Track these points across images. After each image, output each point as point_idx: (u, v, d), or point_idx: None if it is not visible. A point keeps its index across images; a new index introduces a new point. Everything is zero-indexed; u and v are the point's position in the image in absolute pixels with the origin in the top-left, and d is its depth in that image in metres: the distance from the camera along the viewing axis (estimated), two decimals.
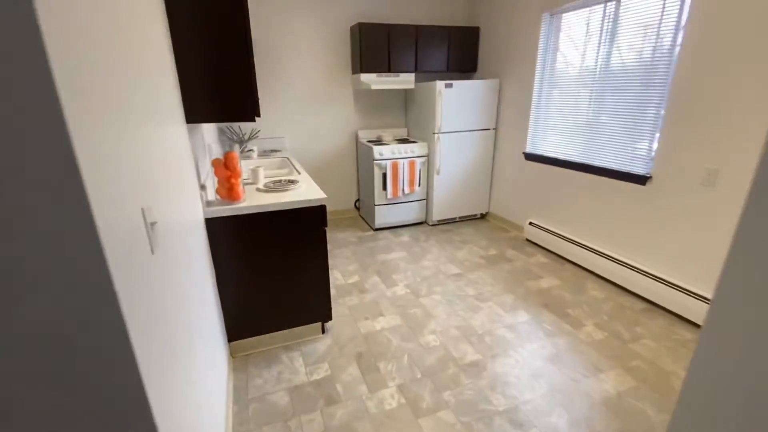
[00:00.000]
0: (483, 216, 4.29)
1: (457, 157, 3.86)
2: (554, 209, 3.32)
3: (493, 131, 3.94)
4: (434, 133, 3.72)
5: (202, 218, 1.78)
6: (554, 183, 3.28)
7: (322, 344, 2.19)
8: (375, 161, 3.67)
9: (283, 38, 3.62)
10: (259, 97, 3.70)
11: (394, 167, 3.70)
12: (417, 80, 4.19)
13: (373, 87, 3.73)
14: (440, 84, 3.57)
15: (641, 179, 2.54)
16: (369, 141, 4.01)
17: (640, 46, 2.48)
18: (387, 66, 3.72)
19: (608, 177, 2.78)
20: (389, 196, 3.77)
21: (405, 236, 3.79)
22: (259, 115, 1.75)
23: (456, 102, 3.67)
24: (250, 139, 3.52)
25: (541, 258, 3.25)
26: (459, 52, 3.93)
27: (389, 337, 2.24)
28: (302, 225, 2.03)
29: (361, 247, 3.53)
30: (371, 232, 3.91)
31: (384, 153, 3.69)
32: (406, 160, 3.73)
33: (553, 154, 3.25)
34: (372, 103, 4.15)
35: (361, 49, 3.59)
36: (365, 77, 3.68)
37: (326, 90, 3.91)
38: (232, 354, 2.10)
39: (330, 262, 3.23)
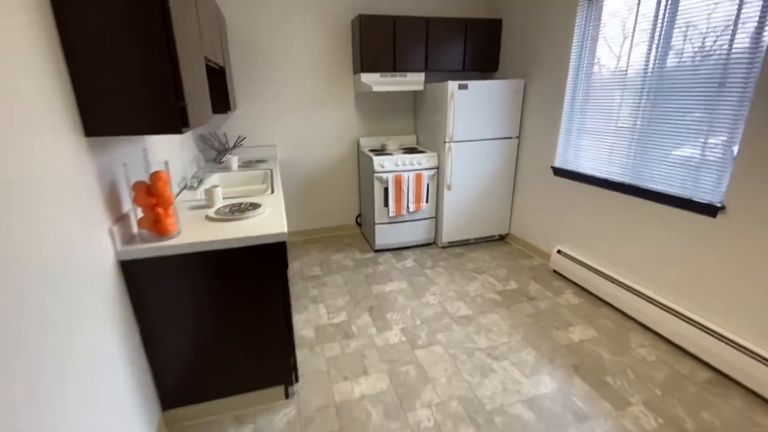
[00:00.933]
0: (502, 238, 3.72)
1: (472, 169, 3.32)
2: (589, 236, 2.72)
3: (516, 140, 3.37)
4: (445, 143, 3.19)
5: (112, 261, 1.34)
6: (590, 205, 2.68)
7: (281, 417, 1.71)
8: (375, 174, 3.18)
9: (274, 34, 3.19)
10: (246, 100, 3.28)
11: (397, 181, 3.19)
12: (428, 81, 3.68)
13: (375, 89, 3.24)
14: (453, 85, 3.04)
15: (710, 209, 1.93)
16: (371, 150, 3.52)
17: (711, 38, 1.88)
18: (392, 64, 3.23)
19: (662, 203, 2.18)
20: (391, 214, 3.27)
21: (409, 260, 3.28)
22: (187, 126, 1.30)
23: (472, 106, 3.14)
24: (234, 147, 3.11)
25: (571, 297, 2.66)
26: (477, 49, 3.39)
27: (369, 411, 1.74)
28: (255, 266, 1.56)
29: (356, 274, 3.04)
30: (371, 254, 3.41)
31: (386, 165, 3.19)
32: (411, 173, 3.22)
33: (589, 171, 2.65)
34: (376, 108, 3.67)
35: (362, 45, 3.12)
36: (366, 77, 3.21)
37: (324, 93, 3.46)
38: (168, 426, 1.65)
39: (316, 292, 2.77)
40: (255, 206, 1.83)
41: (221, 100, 2.64)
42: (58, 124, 1.08)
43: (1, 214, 0.82)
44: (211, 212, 1.70)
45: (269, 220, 1.67)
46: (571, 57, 2.69)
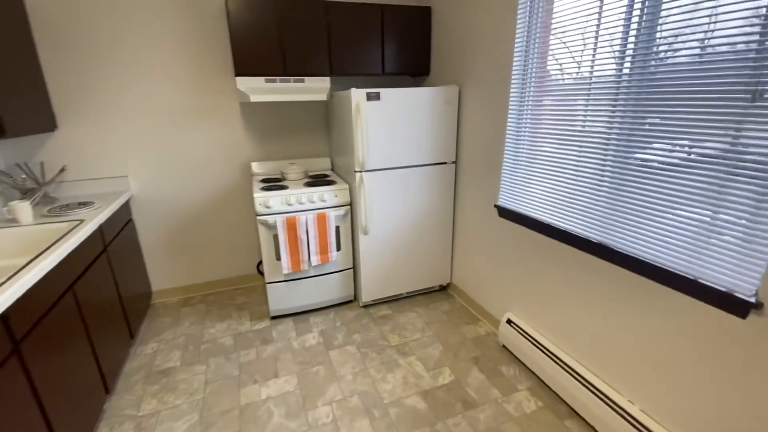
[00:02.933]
0: (444, 288, 2.90)
1: (396, 205, 2.48)
2: (547, 306, 1.93)
3: (452, 166, 2.56)
4: (356, 172, 2.34)
5: None
6: (546, 262, 1.90)
7: None
8: (258, 217, 2.28)
9: (107, 20, 2.24)
10: (75, 115, 2.31)
11: (291, 226, 2.30)
12: (340, 86, 2.83)
13: (254, 99, 2.35)
14: (358, 94, 2.20)
15: (737, 305, 1.15)
16: (265, 180, 2.62)
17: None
18: (281, 65, 2.35)
19: (650, 278, 1.40)
20: (286, 271, 2.37)
21: (315, 332, 2.39)
22: None
23: (388, 122, 2.30)
24: (49, 182, 2.13)
25: (525, 399, 1.85)
26: (401, 45, 2.57)
27: None
28: None
29: (228, 364, 2.12)
30: (265, 323, 2.50)
31: (272, 203, 2.30)
32: (311, 214, 2.34)
33: (542, 216, 1.86)
34: (273, 123, 2.77)
35: (233, 37, 2.22)
36: (244, 83, 2.31)
37: (196, 103, 2.53)
38: None
39: (151, 407, 1.82)
40: None
41: None
42: None
43: None
44: None
45: None
46: (515, 52, 1.91)
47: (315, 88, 2.47)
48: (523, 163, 1.95)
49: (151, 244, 2.66)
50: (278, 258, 2.36)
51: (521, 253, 2.05)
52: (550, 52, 1.74)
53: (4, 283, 1.22)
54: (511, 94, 1.96)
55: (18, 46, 2.01)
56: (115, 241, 2.18)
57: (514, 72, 1.93)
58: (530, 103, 1.87)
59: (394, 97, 2.27)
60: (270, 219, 2.27)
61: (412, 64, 2.64)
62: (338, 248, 2.51)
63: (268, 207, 2.27)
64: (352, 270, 2.62)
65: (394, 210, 2.48)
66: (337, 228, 2.47)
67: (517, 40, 1.88)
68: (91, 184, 2.41)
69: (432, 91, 2.34)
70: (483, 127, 2.23)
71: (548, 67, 1.76)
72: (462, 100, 2.41)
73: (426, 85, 2.80)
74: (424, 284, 2.76)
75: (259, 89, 2.34)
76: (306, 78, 2.44)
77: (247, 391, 1.93)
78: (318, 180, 2.59)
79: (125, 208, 2.43)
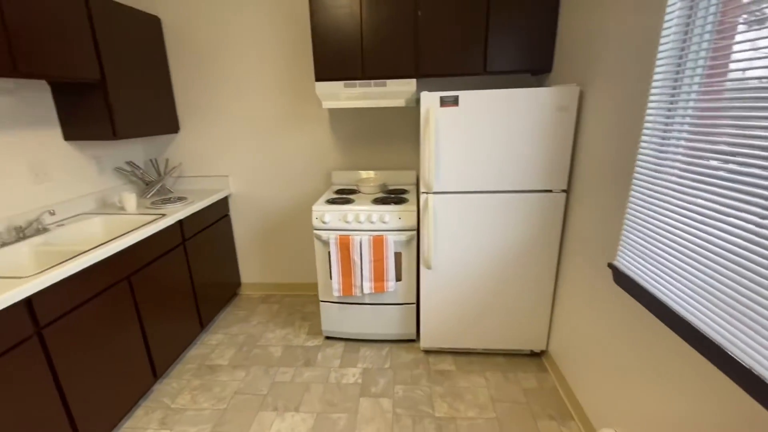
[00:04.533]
0: (536, 355, 2.19)
1: (474, 238, 1.95)
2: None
3: (562, 196, 1.86)
4: (423, 193, 1.93)
5: None
6: (686, 379, 1.11)
7: None
8: (314, 231, 2.13)
9: (220, 34, 2.45)
10: (191, 120, 2.63)
11: (343, 246, 2.07)
12: (428, 88, 2.43)
13: (325, 105, 2.20)
14: (428, 99, 1.78)
15: None
16: (339, 191, 2.47)
17: None
18: (359, 68, 2.13)
19: None
20: (337, 293, 2.16)
21: (358, 367, 2.12)
22: None
23: (469, 133, 1.80)
24: (164, 176, 2.49)
25: None
26: (511, 35, 2.00)
27: None
28: None
29: (264, 378, 2.05)
30: (318, 341, 2.36)
31: (328, 219, 2.10)
32: (367, 235, 2.05)
33: (685, 308, 1.08)
34: (360, 130, 2.59)
35: (315, 40, 2.11)
36: (323, 88, 2.18)
37: (288, 109, 2.56)
38: None
39: (185, 400, 1.88)
40: None
41: (95, 122, 2.00)
42: None
43: None
44: None
45: None
46: (661, 37, 1.16)
47: (397, 92, 2.15)
48: (657, 208, 1.19)
49: (244, 239, 2.86)
50: (331, 278, 2.17)
51: (644, 348, 1.28)
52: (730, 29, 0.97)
53: (59, 264, 1.37)
54: (652, 98, 1.22)
55: (157, 62, 2.38)
56: (202, 233, 2.38)
57: (658, 64, 1.18)
58: (686, 114, 1.10)
59: (478, 101, 1.76)
60: (323, 235, 2.10)
61: (527, 58, 2.02)
62: (398, 278, 2.15)
63: (324, 222, 2.10)
64: (415, 306, 2.22)
65: (469, 244, 1.96)
66: (399, 255, 2.11)
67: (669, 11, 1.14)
68: (200, 181, 2.73)
69: (535, 94, 1.72)
70: (614, 146, 1.50)
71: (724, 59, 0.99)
72: (584, 107, 1.70)
73: (547, 84, 2.13)
74: (507, 344, 2.13)
75: (336, 95, 2.17)
76: (388, 81, 2.14)
77: (263, 417, 1.80)
78: (390, 197, 2.27)
79: (222, 204, 2.66)
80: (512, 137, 1.79)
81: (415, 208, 2.07)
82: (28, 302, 1.31)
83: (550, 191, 1.85)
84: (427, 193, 1.91)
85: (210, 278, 2.49)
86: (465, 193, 1.90)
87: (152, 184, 2.49)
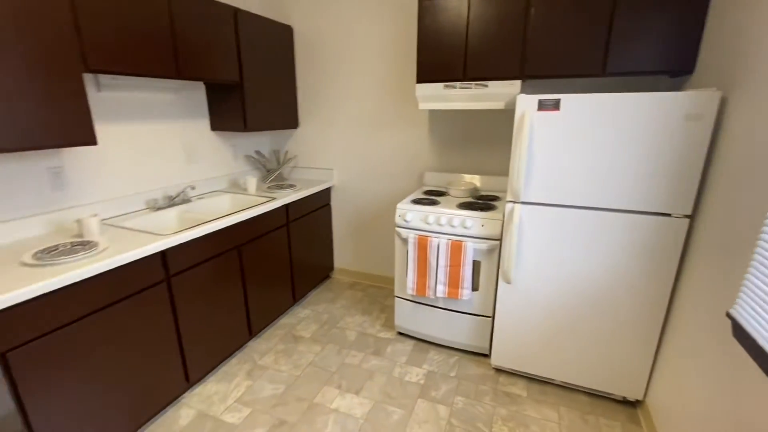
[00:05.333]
0: (629, 404, 1.86)
1: (564, 257, 1.76)
2: None
3: (684, 222, 1.53)
4: (509, 202, 1.81)
5: None
6: None
7: None
8: (396, 228, 2.19)
9: (338, 37, 2.69)
10: (309, 116, 2.95)
11: (421, 246, 2.08)
12: (532, 90, 2.23)
13: (422, 106, 2.22)
14: (525, 102, 1.65)
15: None
16: (428, 192, 2.48)
17: None
18: (461, 68, 2.10)
19: None
20: (410, 292, 2.18)
21: (423, 368, 2.12)
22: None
23: (570, 140, 1.62)
24: (282, 166, 2.88)
25: None
26: (643, 28, 1.72)
27: None
28: None
29: (336, 357, 2.21)
30: (390, 335, 2.44)
31: (410, 219, 2.14)
32: (445, 239, 2.02)
33: None
34: (459, 132, 2.54)
35: (420, 41, 2.16)
36: (422, 90, 2.22)
37: (390, 109, 2.68)
38: None
39: (269, 360, 2.16)
40: (87, 246, 1.50)
41: (233, 116, 2.42)
42: None
43: None
44: (29, 254, 1.46)
45: (56, 273, 1.28)
46: None
47: (498, 94, 2.06)
48: None
49: (340, 227, 3.10)
50: (407, 275, 2.20)
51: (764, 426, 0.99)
52: None
53: (181, 231, 1.74)
54: None
55: (286, 66, 2.75)
56: (304, 218, 2.67)
57: None
58: None
59: (585, 106, 1.57)
60: (403, 233, 2.14)
61: (664, 57, 1.71)
62: (475, 287, 2.07)
63: (405, 220, 2.14)
64: (490, 320, 2.11)
65: (559, 263, 1.77)
66: (478, 264, 2.03)
67: None
68: (310, 172, 3.05)
69: (659, 100, 1.46)
70: (763, 167, 1.19)
71: None
72: (725, 116, 1.37)
73: (685, 89, 1.77)
74: (595, 382, 1.86)
75: (435, 96, 2.19)
76: (490, 82, 2.07)
77: (327, 391, 1.95)
78: (477, 202, 2.19)
79: (325, 194, 2.93)
80: (623, 148, 1.55)
81: (501, 216, 1.96)
82: (163, 254, 1.68)
83: (669, 215, 1.55)
84: (513, 202, 1.79)
85: (306, 259, 2.78)
86: (559, 207, 1.72)
87: (272, 172, 2.89)
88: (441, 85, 2.17)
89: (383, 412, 1.82)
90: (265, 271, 2.35)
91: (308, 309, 2.75)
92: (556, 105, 1.61)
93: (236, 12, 2.22)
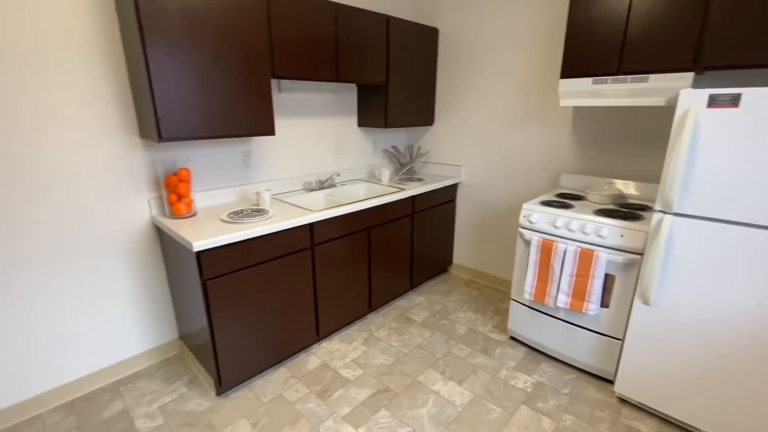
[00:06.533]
0: None
1: (739, 286, 1.45)
2: None
3: None
4: (659, 212, 1.58)
5: (148, 220, 1.99)
6: None
7: None
8: (520, 228, 2.13)
9: (480, 35, 2.71)
10: (444, 114, 3.06)
11: (545, 250, 1.97)
12: (704, 84, 1.82)
13: (563, 103, 2.07)
14: (691, 96, 1.41)
15: None
16: (561, 195, 2.31)
17: None
18: (616, 60, 1.90)
19: None
20: (528, 296, 2.10)
21: (533, 377, 2.03)
22: (161, 137, 1.63)
23: (752, 144, 1.33)
24: (413, 160, 3.10)
25: None
26: None
27: None
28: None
29: (443, 345, 2.30)
30: (502, 337, 2.39)
31: (535, 220, 2.04)
32: (573, 246, 1.87)
33: None
34: (607, 131, 2.29)
35: (569, 32, 2.04)
36: (566, 86, 2.09)
37: (527, 107, 2.58)
38: (180, 346, 2.25)
39: (383, 334, 2.39)
40: (261, 213, 1.94)
41: (376, 114, 2.70)
42: (119, 131, 1.78)
43: (89, 186, 1.58)
44: (225, 214, 1.98)
45: (245, 228, 1.74)
46: None
47: (660, 89, 1.80)
48: None
49: (463, 223, 3.15)
50: (525, 279, 2.12)
51: None
52: None
53: (321, 210, 2.09)
54: None
55: (428, 66, 2.92)
56: (428, 211, 2.82)
57: None
58: None
59: None
60: (526, 234, 2.07)
61: None
62: (604, 304, 1.87)
63: (530, 222, 2.06)
64: (619, 343, 1.87)
65: (716, 290, 1.48)
66: (611, 278, 1.82)
67: None
68: (439, 167, 3.18)
69: None
70: None
71: None
72: None
73: None
74: None
75: (580, 93, 2.04)
76: (651, 76, 1.82)
77: (430, 374, 2.06)
78: (620, 210, 1.96)
79: (451, 190, 3.02)
80: None
81: (647, 228, 1.72)
82: (311, 227, 2.04)
83: None
84: (663, 212, 1.56)
85: (426, 249, 2.92)
86: (724, 223, 1.43)
87: (404, 165, 3.13)
88: (589, 80, 2.00)
89: (483, 407, 1.83)
90: (389, 254, 2.58)
91: (422, 297, 2.90)
92: (734, 101, 1.34)
93: (388, 19, 2.48)
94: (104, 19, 1.69)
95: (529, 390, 1.94)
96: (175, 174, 1.90)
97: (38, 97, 1.59)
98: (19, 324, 1.70)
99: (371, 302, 2.55)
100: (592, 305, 1.87)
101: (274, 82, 2.31)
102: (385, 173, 2.84)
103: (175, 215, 1.93)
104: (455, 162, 3.08)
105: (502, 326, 2.52)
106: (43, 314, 1.76)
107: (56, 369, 1.84)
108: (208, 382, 1.95)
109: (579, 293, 1.90)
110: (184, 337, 2.15)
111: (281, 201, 2.28)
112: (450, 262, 3.29)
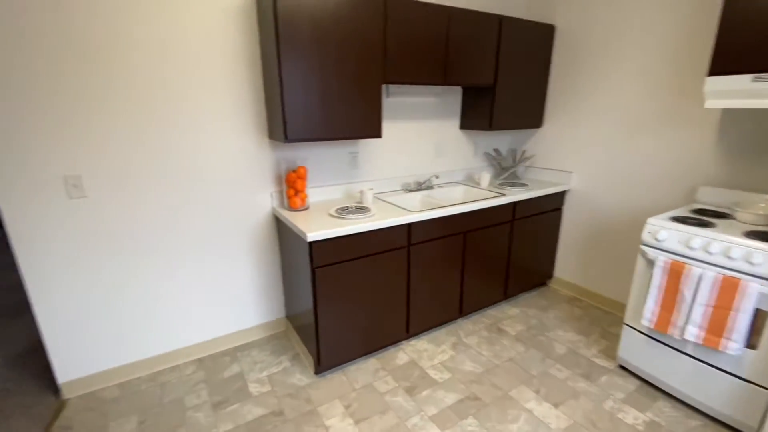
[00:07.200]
0: None
1: None
2: None
3: None
4: None
5: (269, 211, 2.27)
6: None
7: None
8: (642, 245, 1.88)
9: (605, 33, 2.46)
10: (554, 116, 2.86)
11: (674, 273, 1.71)
12: None
13: (711, 104, 1.76)
14: None
15: None
16: (698, 210, 1.98)
17: None
18: None
19: None
20: (647, 323, 1.84)
21: (646, 415, 1.78)
22: (286, 138, 1.84)
23: None
24: (516, 164, 2.98)
25: None
26: None
27: None
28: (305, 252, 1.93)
29: (538, 364, 2.16)
30: (610, 364, 2.15)
31: (664, 238, 1.78)
32: (713, 271, 1.59)
33: None
34: (763, 137, 1.89)
35: (722, 26, 1.74)
36: (716, 84, 1.79)
37: (661, 110, 2.26)
38: (286, 324, 2.51)
39: (473, 341, 2.34)
40: (364, 210, 2.06)
41: (480, 116, 2.65)
42: (253, 132, 2.07)
43: (226, 180, 1.94)
44: (333, 209, 2.15)
45: (350, 223, 1.89)
46: None
47: None
48: None
49: (569, 235, 2.90)
50: (645, 304, 1.87)
51: None
52: None
53: (420, 211, 2.14)
54: None
55: (540, 65, 2.76)
56: (530, 219, 2.67)
57: None
58: None
59: None
60: (650, 253, 1.82)
61: None
62: (751, 345, 1.55)
63: (656, 239, 1.81)
64: (764, 391, 1.54)
65: None
66: (761, 314, 1.51)
67: None
68: (546, 173, 2.98)
69: None
70: None
71: None
72: None
73: None
74: None
75: (734, 92, 1.72)
76: None
77: (523, 390, 1.96)
78: None
79: (557, 197, 2.81)
80: None
81: None
82: (409, 226, 2.10)
83: None
84: None
85: (524, 260, 2.77)
86: None
87: (506, 170, 3.01)
88: (748, 77, 1.68)
89: None
90: (484, 260, 2.51)
91: (517, 309, 2.75)
92: None
93: (501, 19, 2.41)
94: (246, 39, 1.97)
95: (640, 428, 1.72)
96: (294, 171, 2.12)
97: (191, 109, 1.93)
98: (175, 290, 2.09)
99: (462, 307, 2.52)
100: (734, 344, 1.57)
101: (383, 87, 2.42)
102: (485, 177, 2.77)
103: (291, 208, 2.16)
104: (565, 168, 2.86)
105: (609, 352, 2.26)
106: (187, 284, 2.13)
107: (191, 330, 2.21)
108: (308, 360, 2.15)
109: (716, 327, 1.61)
110: (290, 317, 2.40)
111: (381, 200, 2.38)
112: (550, 276, 3.06)
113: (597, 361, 2.19)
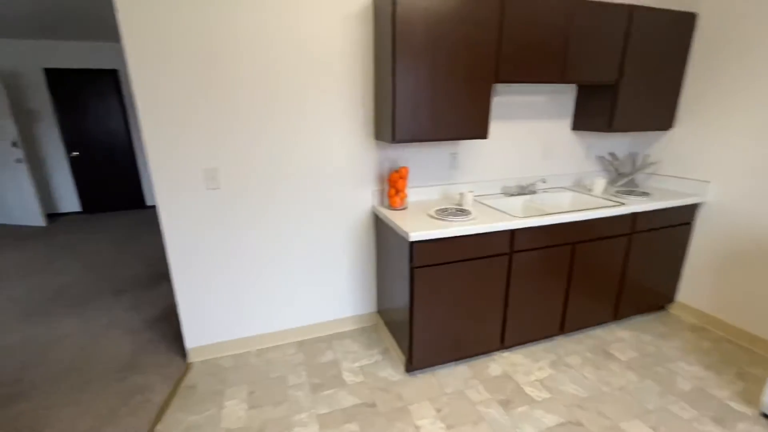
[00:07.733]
0: None
1: None
2: None
3: None
4: None
5: (370, 208, 2.35)
6: None
7: None
8: None
9: (750, 4, 2.04)
10: (690, 116, 2.47)
11: None
12: None
13: None
14: None
15: None
16: None
17: None
18: None
19: None
20: None
21: None
22: (393, 139, 1.87)
23: None
24: (636, 171, 2.67)
25: None
26: None
27: None
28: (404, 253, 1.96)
29: (653, 397, 1.90)
30: (749, 411, 1.80)
31: None
32: None
33: None
34: None
35: None
36: None
37: None
38: (376, 320, 2.58)
39: (575, 362, 2.15)
40: (464, 213, 2.02)
41: (597, 116, 2.40)
42: (361, 133, 2.17)
43: (336, 177, 2.11)
44: (432, 210, 2.13)
45: (451, 226, 1.88)
46: None
47: None
48: None
49: (700, 254, 2.49)
50: None
51: None
52: None
53: (524, 218, 2.02)
54: None
55: (675, 59, 2.41)
56: (652, 233, 2.36)
57: None
58: None
59: None
60: None
61: None
62: None
63: None
64: None
65: None
66: None
67: None
68: (673, 181, 2.59)
69: None
70: None
71: None
72: None
73: None
74: None
75: None
76: None
77: (637, 426, 1.74)
78: None
79: (687, 210, 2.43)
80: None
81: None
82: (512, 233, 2.00)
83: None
84: None
85: (642, 279, 2.45)
86: None
87: (623, 176, 2.69)
88: None
89: None
90: (593, 276, 2.29)
91: (628, 332, 2.46)
92: None
93: (632, 11, 2.15)
94: (362, 44, 2.05)
95: None
96: (396, 171, 2.16)
97: (311, 111, 2.07)
98: (284, 276, 2.29)
99: (564, 324, 2.33)
100: None
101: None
102: (599, 183, 2.51)
103: (391, 207, 2.21)
104: (700, 177, 2.46)
105: (748, 396, 1.90)
106: (295, 271, 2.31)
107: (294, 314, 2.40)
108: (399, 357, 2.18)
109: None
110: (381, 312, 2.46)
111: (481, 203, 2.31)
112: (670, 300, 2.67)
113: (732, 404, 1.85)
